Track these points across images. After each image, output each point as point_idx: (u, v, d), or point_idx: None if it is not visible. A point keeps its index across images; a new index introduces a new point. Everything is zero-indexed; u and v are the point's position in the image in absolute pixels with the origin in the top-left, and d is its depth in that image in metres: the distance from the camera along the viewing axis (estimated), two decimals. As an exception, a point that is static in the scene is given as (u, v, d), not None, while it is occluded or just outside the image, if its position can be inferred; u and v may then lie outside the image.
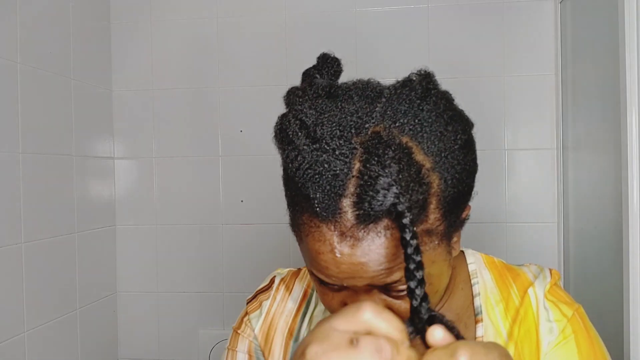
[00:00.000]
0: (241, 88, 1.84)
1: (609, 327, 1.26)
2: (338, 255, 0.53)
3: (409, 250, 0.47)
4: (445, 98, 0.59)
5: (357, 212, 0.51)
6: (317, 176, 0.52)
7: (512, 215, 1.76)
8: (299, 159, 0.54)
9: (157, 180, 1.89)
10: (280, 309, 0.78)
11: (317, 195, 0.52)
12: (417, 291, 0.46)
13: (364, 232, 0.52)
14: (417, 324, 0.45)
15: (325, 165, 0.52)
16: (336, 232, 0.53)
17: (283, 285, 0.80)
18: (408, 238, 0.47)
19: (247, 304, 0.81)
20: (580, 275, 1.59)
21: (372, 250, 0.52)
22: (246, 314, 0.79)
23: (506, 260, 0.75)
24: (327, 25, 1.80)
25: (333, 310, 0.60)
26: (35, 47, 1.49)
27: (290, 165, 0.55)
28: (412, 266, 0.47)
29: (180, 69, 1.87)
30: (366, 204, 0.50)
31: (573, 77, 1.64)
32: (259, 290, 0.81)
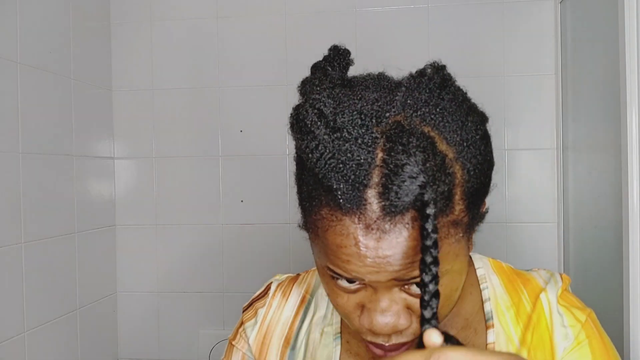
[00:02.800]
0: (241, 88, 1.84)
1: (609, 327, 1.25)
2: (363, 249, 0.50)
3: (428, 242, 0.45)
4: (461, 90, 0.59)
5: (382, 203, 0.49)
6: (340, 165, 0.50)
7: (512, 215, 1.76)
8: (319, 148, 0.51)
9: (157, 180, 1.89)
10: (277, 316, 0.75)
11: (341, 186, 0.50)
12: (430, 286, 0.45)
13: (391, 224, 0.49)
14: (426, 321, 0.45)
15: (349, 155, 0.50)
16: (361, 225, 0.50)
17: (280, 291, 0.77)
18: (430, 229, 0.46)
19: (243, 312, 0.78)
20: (581, 275, 1.59)
21: (399, 243, 0.50)
22: (241, 323, 0.77)
23: (506, 261, 0.74)
24: (327, 25, 1.80)
25: (347, 313, 0.58)
26: (35, 47, 1.49)
27: (310, 156, 0.51)
28: (428, 259, 0.45)
29: (181, 69, 1.87)
30: (392, 194, 0.48)
31: (573, 77, 1.64)
32: (255, 297, 0.79)
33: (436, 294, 0.45)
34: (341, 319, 0.71)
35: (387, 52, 1.77)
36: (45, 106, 1.53)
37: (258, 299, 0.78)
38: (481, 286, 0.69)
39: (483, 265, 0.71)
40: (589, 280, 1.52)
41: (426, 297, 0.45)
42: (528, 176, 1.76)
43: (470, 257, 0.72)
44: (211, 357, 1.83)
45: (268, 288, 0.79)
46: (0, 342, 1.33)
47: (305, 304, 0.75)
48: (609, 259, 1.33)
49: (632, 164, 1.15)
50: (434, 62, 0.58)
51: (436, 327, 0.44)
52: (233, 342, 0.77)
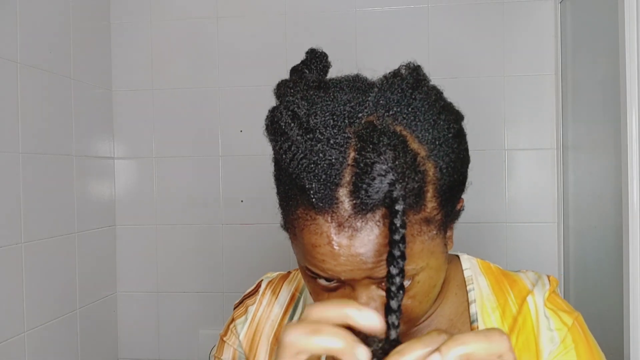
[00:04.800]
0: (241, 88, 1.84)
1: (609, 327, 1.26)
2: (336, 247, 0.51)
3: (396, 237, 0.46)
4: (435, 89, 0.59)
5: (354, 201, 0.50)
6: (312, 165, 0.51)
7: (512, 215, 1.76)
8: (292, 149, 0.53)
9: (157, 180, 1.89)
10: (266, 313, 0.76)
11: (313, 185, 0.51)
12: (397, 279, 0.46)
13: (362, 222, 0.50)
14: (392, 312, 0.46)
15: (320, 155, 0.51)
16: (333, 224, 0.51)
17: (270, 289, 0.78)
18: (398, 225, 0.46)
19: (234, 309, 0.79)
20: (580, 275, 1.59)
21: (370, 240, 0.51)
22: (232, 320, 0.78)
23: (506, 261, 0.74)
24: (327, 25, 1.80)
25: None
26: (35, 47, 1.49)
27: (283, 156, 0.54)
28: (396, 253, 0.46)
29: (180, 69, 1.87)
30: (363, 192, 0.49)
31: (573, 77, 1.64)
32: (246, 295, 0.80)
33: (402, 287, 0.46)
34: None
35: (387, 52, 1.77)
36: (45, 106, 1.53)
37: (249, 296, 0.79)
38: (468, 287, 0.69)
39: (471, 267, 0.71)
40: (589, 280, 1.52)
41: (393, 289, 0.46)
42: (528, 176, 1.76)
43: (459, 258, 0.72)
44: (211, 357, 1.83)
45: (259, 285, 0.80)
46: (0, 342, 1.33)
47: (294, 301, 0.76)
48: (609, 259, 1.33)
49: (632, 164, 1.15)
50: (408, 63, 0.59)
51: (398, 318, 0.46)
52: (224, 338, 0.78)
